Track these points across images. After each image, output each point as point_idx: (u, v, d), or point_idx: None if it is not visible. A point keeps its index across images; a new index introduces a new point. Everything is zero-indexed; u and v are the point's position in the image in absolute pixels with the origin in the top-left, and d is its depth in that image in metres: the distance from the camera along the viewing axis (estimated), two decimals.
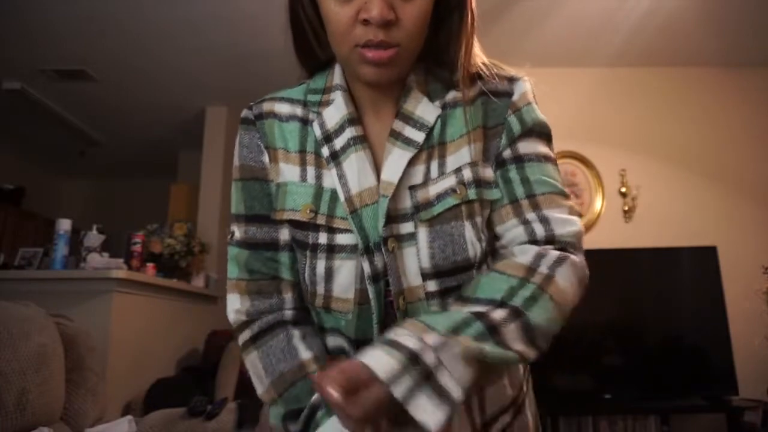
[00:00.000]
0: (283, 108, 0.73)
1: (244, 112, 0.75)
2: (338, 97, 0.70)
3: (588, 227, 3.26)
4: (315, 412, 0.63)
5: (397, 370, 0.50)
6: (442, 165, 0.66)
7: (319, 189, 0.68)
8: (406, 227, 0.65)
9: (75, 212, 4.84)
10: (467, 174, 0.66)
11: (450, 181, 0.65)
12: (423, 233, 0.64)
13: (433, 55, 0.70)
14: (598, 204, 3.29)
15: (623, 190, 3.30)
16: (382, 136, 0.69)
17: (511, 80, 0.71)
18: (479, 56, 0.71)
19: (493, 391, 0.69)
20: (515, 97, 0.69)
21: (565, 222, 0.65)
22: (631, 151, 3.35)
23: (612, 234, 3.22)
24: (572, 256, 0.63)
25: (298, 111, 0.73)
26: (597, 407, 2.78)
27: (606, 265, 2.96)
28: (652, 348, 2.88)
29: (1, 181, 5.05)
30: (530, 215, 0.66)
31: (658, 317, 2.92)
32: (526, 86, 0.71)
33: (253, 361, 0.69)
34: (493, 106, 0.69)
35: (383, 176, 0.65)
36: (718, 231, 3.17)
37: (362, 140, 0.67)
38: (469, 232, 0.65)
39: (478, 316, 0.57)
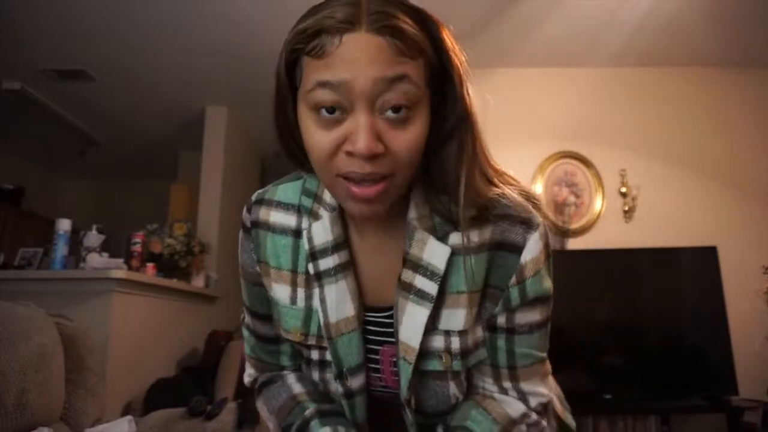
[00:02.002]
0: (277, 217, 0.71)
1: (244, 214, 0.74)
2: (325, 217, 0.67)
3: (588, 227, 3.26)
4: (308, 422, 0.69)
5: None
6: (435, 317, 0.65)
7: (308, 311, 0.70)
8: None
9: (75, 212, 4.83)
10: (455, 343, 0.66)
11: (438, 342, 0.66)
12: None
13: (430, 179, 0.63)
14: (598, 204, 3.29)
15: (623, 190, 3.30)
16: (372, 257, 0.69)
17: (528, 227, 0.64)
18: (489, 187, 0.63)
19: None
20: (525, 259, 0.63)
21: (536, 395, 0.70)
22: (631, 151, 3.35)
23: (612, 234, 3.22)
24: (543, 422, 0.71)
25: (292, 221, 0.70)
26: (597, 407, 2.78)
27: (606, 265, 2.96)
28: (652, 348, 2.88)
29: (1, 181, 5.05)
30: (506, 384, 0.70)
31: (658, 317, 2.91)
32: (539, 243, 0.64)
33: (261, 407, 0.79)
34: (499, 261, 0.64)
35: (402, 337, 0.66)
36: (718, 231, 3.17)
37: (346, 267, 0.67)
38: (453, 389, 0.69)
39: None
